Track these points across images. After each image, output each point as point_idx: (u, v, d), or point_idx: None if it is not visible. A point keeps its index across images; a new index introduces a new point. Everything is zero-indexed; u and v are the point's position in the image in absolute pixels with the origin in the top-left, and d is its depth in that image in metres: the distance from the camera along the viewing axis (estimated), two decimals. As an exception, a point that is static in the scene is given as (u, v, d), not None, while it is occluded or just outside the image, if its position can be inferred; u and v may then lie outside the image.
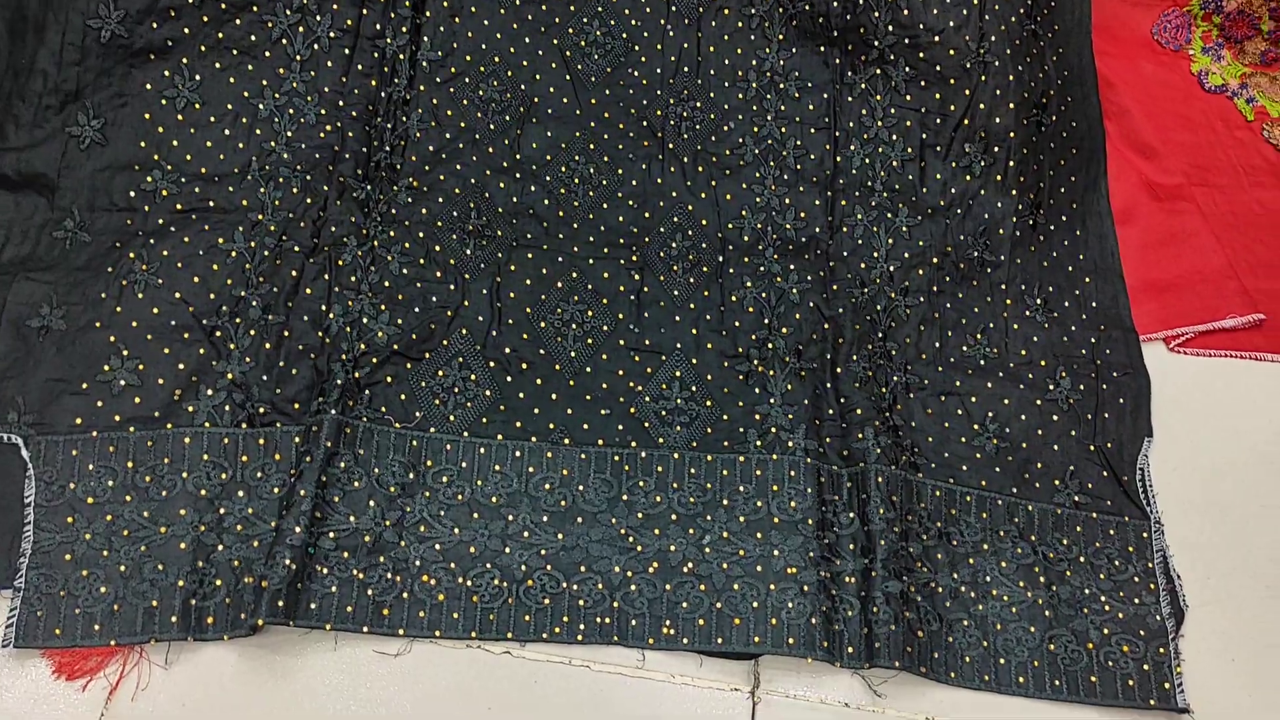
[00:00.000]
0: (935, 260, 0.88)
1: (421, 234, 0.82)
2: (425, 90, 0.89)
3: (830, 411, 0.81)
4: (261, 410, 0.74)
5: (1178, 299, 0.89)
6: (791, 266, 0.86)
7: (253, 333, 0.77)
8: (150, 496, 0.70)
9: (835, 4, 0.93)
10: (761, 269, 0.86)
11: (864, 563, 0.73)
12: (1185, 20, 1.04)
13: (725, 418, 0.80)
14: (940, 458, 0.81)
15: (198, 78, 0.83)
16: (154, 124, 0.82)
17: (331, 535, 0.70)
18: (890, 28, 0.92)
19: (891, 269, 0.87)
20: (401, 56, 0.89)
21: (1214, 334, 0.88)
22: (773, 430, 0.79)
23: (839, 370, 0.83)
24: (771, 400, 0.81)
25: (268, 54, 0.86)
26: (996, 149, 0.90)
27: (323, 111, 0.85)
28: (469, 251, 0.83)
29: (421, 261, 0.82)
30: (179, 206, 0.80)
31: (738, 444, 0.79)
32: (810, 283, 0.86)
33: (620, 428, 0.79)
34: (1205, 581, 0.77)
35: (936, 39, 0.91)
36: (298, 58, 0.86)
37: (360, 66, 0.87)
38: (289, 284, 0.79)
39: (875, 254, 0.88)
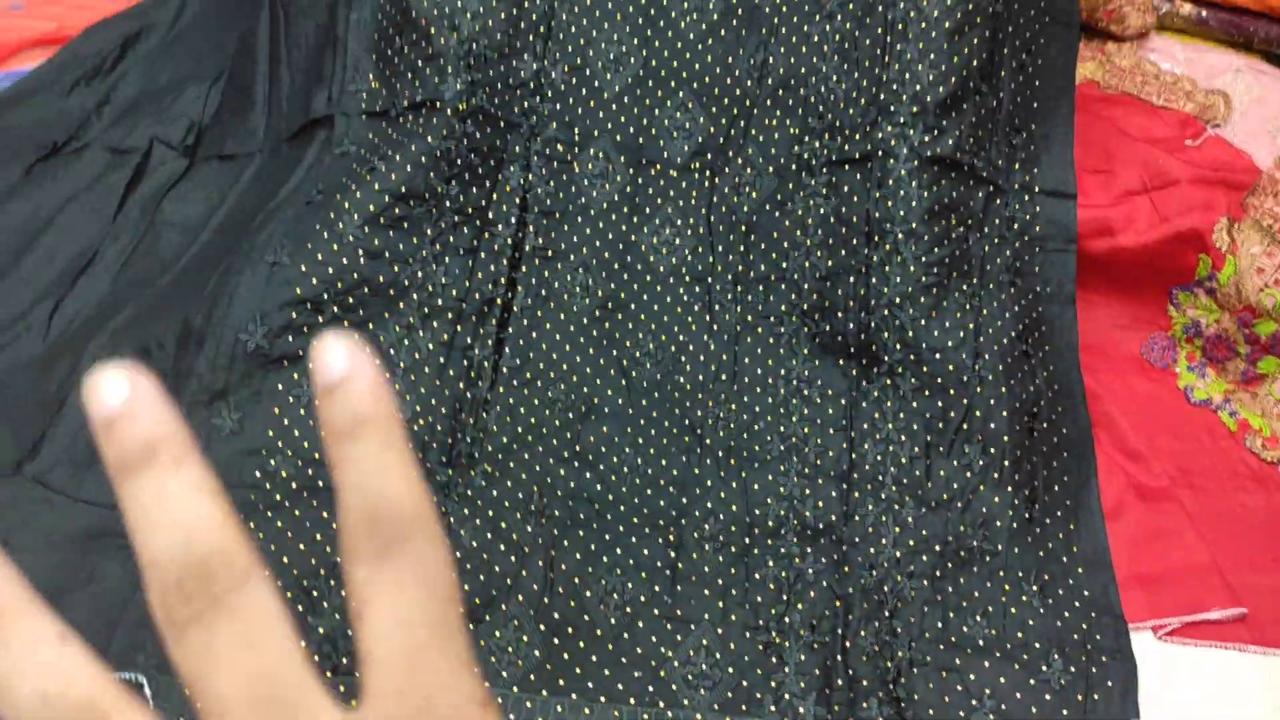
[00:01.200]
0: (938, 548, 0.99)
1: (491, 513, 0.97)
2: (504, 392, 1.06)
3: (839, 682, 0.90)
4: (344, 660, 0.87)
5: (1165, 591, 0.98)
6: (809, 550, 0.98)
7: (343, 592, 0.91)
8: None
9: (851, 325, 1.10)
10: (782, 551, 0.98)
11: (864, 823, 0.80)
12: (1170, 343, 1.18)
13: (744, 683, 0.90)
14: (940, 729, 0.89)
15: (320, 379, 1.02)
16: (281, 417, 1.00)
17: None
18: (898, 346, 1.07)
19: (899, 554, 0.99)
20: (486, 364, 1.08)
21: (1199, 625, 0.96)
22: (786, 696, 0.89)
23: (848, 644, 0.93)
24: (786, 669, 0.91)
25: (377, 361, 1.05)
26: (993, 450, 1.03)
27: (418, 409, 1.03)
28: (530, 529, 0.97)
29: (489, 536, 0.96)
30: (294, 485, 0.96)
31: (755, 708, 0.88)
32: (825, 564, 0.97)
33: (650, 689, 0.89)
34: None
35: (938, 356, 1.06)
36: (401, 364, 1.05)
37: (452, 372, 1.06)
38: None
39: (884, 541, 1.00)
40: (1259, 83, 1.28)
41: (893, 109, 1.11)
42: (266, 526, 0.94)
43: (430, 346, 1.07)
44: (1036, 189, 1.16)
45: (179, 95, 1.24)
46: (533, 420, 1.05)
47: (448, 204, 1.10)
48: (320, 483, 0.97)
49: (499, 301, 1.10)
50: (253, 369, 1.01)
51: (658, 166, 1.17)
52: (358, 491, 0.24)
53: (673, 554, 0.98)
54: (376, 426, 0.25)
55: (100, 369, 0.22)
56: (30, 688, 0.20)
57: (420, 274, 1.07)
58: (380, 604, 0.23)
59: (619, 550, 0.97)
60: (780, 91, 1.18)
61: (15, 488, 0.93)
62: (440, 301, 1.08)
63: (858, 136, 1.13)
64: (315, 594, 0.91)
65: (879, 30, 1.14)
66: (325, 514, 0.96)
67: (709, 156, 1.18)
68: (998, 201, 1.14)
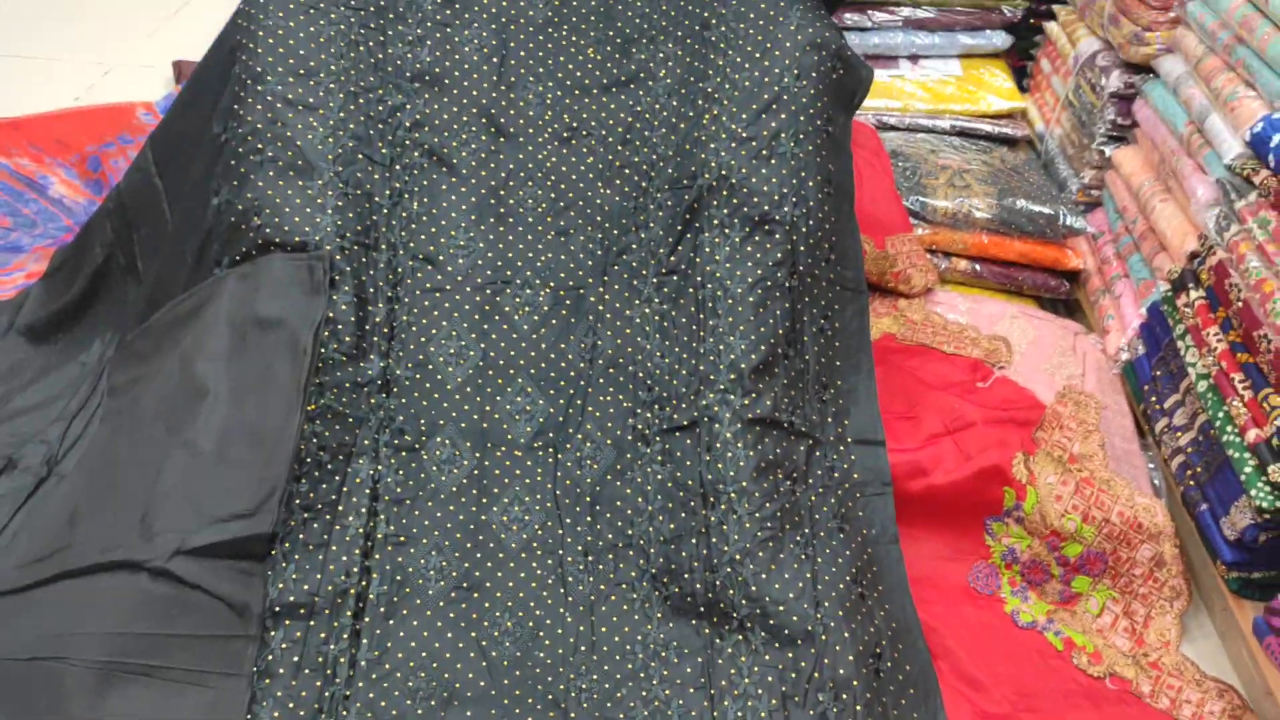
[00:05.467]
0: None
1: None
2: (363, 687, 1.06)
3: None
4: None
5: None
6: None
7: None
8: None
9: (698, 585, 1.15)
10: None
11: None
12: (992, 570, 1.27)
13: None
14: None
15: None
16: None
17: None
18: (744, 601, 1.12)
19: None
20: (342, 659, 1.07)
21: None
22: None
23: None
24: None
25: None
26: (844, 695, 1.07)
27: (276, 715, 1.01)
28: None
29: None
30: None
31: None
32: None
33: None
34: None
35: (781, 608, 1.11)
36: (251, 668, 1.04)
37: (307, 671, 1.05)
38: None
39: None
40: (1032, 326, 1.45)
41: (712, 378, 1.21)
42: None
43: (283, 646, 1.06)
44: (849, 439, 1.26)
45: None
46: (394, 712, 1.04)
47: (297, 501, 1.12)
48: None
49: (353, 592, 1.11)
50: None
51: (503, 449, 1.23)
52: None
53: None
54: None
55: None
56: None
57: (269, 572, 1.08)
58: None
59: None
60: (611, 370, 1.27)
61: None
62: (291, 599, 1.08)
63: (684, 405, 1.23)
64: None
65: (692, 309, 1.26)
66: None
67: (550, 435, 1.25)
68: (818, 454, 1.24)
